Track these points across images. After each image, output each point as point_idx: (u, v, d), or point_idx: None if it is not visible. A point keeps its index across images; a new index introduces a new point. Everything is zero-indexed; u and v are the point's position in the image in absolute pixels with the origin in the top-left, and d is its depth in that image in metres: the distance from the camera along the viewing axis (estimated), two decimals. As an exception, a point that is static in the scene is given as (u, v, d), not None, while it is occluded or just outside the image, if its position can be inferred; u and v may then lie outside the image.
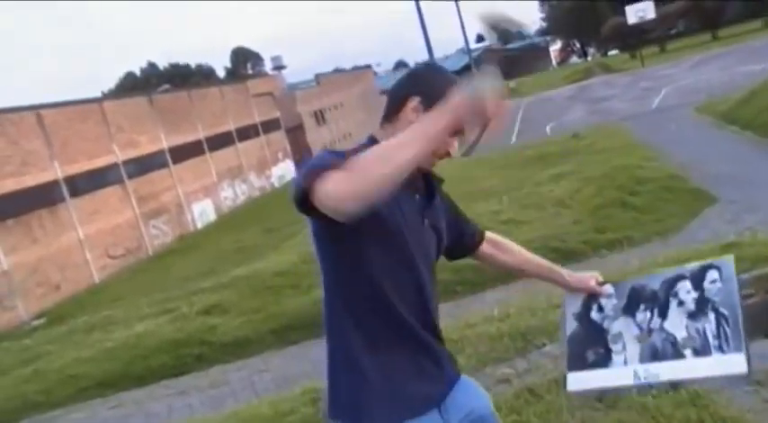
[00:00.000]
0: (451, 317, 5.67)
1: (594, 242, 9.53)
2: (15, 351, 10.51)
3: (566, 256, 9.31)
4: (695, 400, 2.98)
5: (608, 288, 2.22)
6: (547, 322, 4.31)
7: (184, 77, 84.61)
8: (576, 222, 10.22)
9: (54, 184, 23.39)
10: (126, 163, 27.34)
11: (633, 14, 40.58)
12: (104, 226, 25.09)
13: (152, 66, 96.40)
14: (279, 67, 51.50)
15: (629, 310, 2.16)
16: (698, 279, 2.08)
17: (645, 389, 2.06)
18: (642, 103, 24.29)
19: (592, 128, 20.81)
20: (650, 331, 2.10)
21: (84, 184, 24.76)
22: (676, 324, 2.06)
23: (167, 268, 22.93)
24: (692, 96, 22.03)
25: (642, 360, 2.07)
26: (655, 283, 2.15)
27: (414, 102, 1.90)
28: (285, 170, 41.55)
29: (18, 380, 8.64)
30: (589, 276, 2.26)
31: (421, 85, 1.94)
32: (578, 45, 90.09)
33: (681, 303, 2.09)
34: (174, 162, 30.60)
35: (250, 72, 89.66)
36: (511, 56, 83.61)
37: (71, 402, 7.88)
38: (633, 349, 2.09)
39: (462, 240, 2.22)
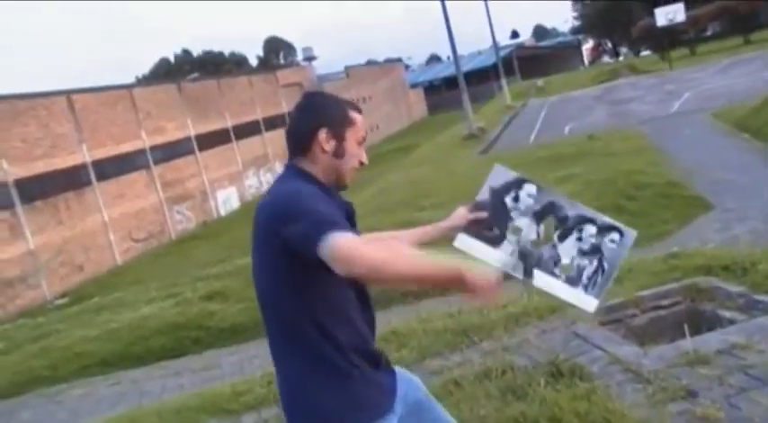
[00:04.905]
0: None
1: (585, 245, 9.74)
2: (29, 328, 11.04)
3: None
4: (590, 396, 3.33)
5: (530, 188, 2.45)
6: (487, 320, 4.66)
7: (217, 65, 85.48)
8: (571, 225, 10.48)
9: (82, 168, 24.07)
10: (153, 149, 27.96)
11: (663, 16, 40.42)
12: (129, 209, 25.73)
13: (186, 52, 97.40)
14: (309, 58, 51.86)
15: (538, 217, 2.40)
16: (603, 231, 2.38)
17: (521, 288, 2.37)
18: (663, 107, 24.31)
19: (609, 130, 20.92)
20: (544, 243, 2.36)
21: (111, 168, 25.40)
22: (567, 251, 2.35)
23: (188, 253, 23.47)
24: (712, 101, 22.01)
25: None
26: (570, 211, 2.40)
27: (323, 133, 2.16)
28: (310, 160, 41.94)
29: (27, 355, 9.14)
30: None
31: (322, 115, 2.19)
32: (610, 45, 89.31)
33: (579, 239, 2.38)
34: (201, 149, 31.17)
35: (282, 62, 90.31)
36: (542, 54, 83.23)
37: (74, 378, 8.33)
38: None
39: None
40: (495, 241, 2.38)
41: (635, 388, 3.45)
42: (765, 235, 8.60)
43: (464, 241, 2.40)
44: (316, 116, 2.19)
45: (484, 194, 2.44)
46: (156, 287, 11.86)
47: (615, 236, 2.36)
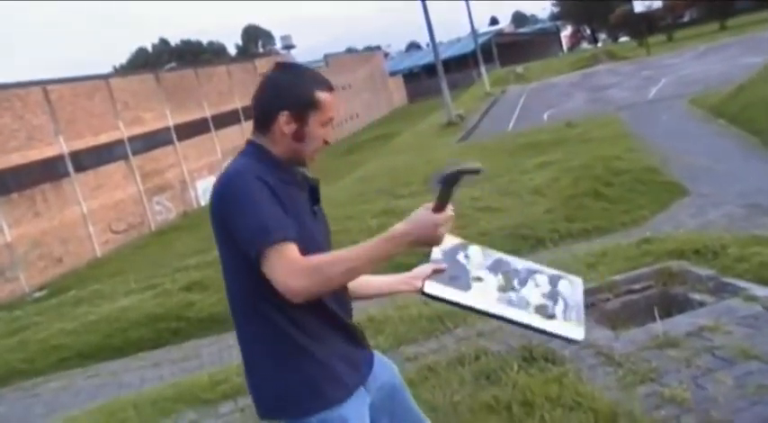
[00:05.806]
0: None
1: (562, 231, 9.83)
2: (5, 321, 10.97)
3: (533, 244, 9.66)
4: (561, 379, 3.38)
5: (474, 248, 2.36)
6: (462, 307, 4.69)
7: (195, 54, 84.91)
8: (548, 211, 10.53)
9: (59, 159, 23.85)
10: (131, 139, 27.71)
11: (640, 3, 40.73)
12: (108, 201, 25.53)
13: (164, 42, 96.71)
14: (288, 47, 51.76)
15: (493, 270, 2.31)
16: (554, 279, 2.35)
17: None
18: (640, 93, 24.45)
19: (587, 117, 21.03)
20: (509, 289, 2.27)
21: (89, 159, 25.17)
22: (531, 295, 2.26)
23: (168, 244, 23.36)
24: (689, 87, 22.19)
25: (498, 302, 2.24)
26: (518, 265, 2.35)
27: (283, 116, 2.06)
28: (290, 150, 41.87)
29: (3, 349, 9.09)
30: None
31: (285, 97, 2.08)
32: (588, 31, 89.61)
33: (537, 286, 2.31)
34: (179, 139, 30.94)
35: (261, 51, 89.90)
36: (521, 41, 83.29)
37: (52, 371, 8.29)
38: (491, 293, 2.25)
39: None
40: (464, 287, 2.27)
41: (606, 371, 3.51)
42: (739, 220, 8.70)
43: (434, 287, 2.27)
44: (278, 97, 2.10)
45: (437, 255, 2.37)
46: (136, 279, 11.81)
47: (565, 283, 2.34)
